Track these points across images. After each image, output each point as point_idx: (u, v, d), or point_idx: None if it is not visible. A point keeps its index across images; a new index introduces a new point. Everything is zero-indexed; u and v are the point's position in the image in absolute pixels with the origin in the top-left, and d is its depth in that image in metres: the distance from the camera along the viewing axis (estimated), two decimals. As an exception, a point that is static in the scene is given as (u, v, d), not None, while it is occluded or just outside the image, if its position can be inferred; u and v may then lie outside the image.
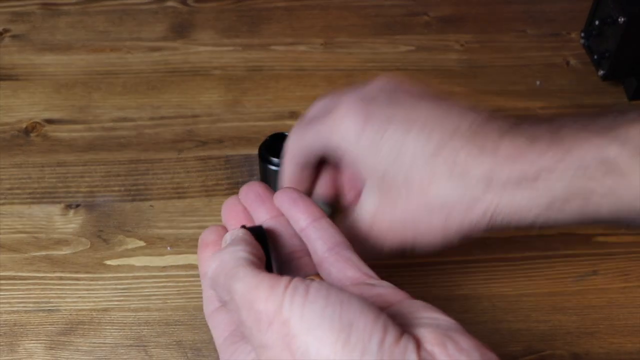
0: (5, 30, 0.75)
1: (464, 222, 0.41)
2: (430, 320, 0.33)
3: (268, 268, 0.38)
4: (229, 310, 0.35)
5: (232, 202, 0.45)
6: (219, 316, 0.39)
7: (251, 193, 0.44)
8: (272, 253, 0.41)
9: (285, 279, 0.32)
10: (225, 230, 0.44)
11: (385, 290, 0.36)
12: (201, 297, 0.56)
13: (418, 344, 0.31)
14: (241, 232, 0.39)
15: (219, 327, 0.38)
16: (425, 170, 0.41)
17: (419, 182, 0.41)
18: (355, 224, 0.44)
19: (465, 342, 0.31)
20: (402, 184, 0.41)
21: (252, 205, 0.44)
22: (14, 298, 0.56)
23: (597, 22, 0.69)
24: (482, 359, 0.30)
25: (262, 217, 0.43)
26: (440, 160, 0.40)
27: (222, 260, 0.36)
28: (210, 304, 0.40)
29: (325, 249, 0.39)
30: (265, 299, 0.32)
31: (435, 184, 0.40)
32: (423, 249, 0.43)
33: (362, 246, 0.43)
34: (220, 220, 0.61)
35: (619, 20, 0.65)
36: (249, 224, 0.42)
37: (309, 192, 0.48)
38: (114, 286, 0.56)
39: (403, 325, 0.32)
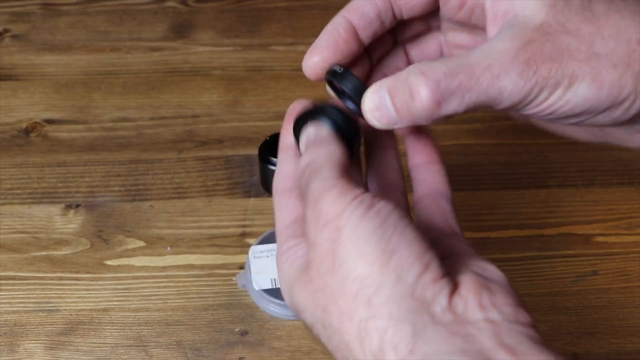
0: (5, 30, 0.75)
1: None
2: (478, 269, 0.33)
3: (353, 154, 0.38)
4: (302, 200, 0.35)
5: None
6: (288, 200, 0.38)
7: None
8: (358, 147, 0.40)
9: (357, 191, 0.33)
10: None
11: (459, 244, 0.36)
12: (201, 297, 0.56)
13: (455, 288, 0.31)
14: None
15: (284, 211, 0.38)
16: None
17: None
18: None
19: (503, 296, 0.31)
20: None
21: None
22: (14, 298, 0.56)
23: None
24: (514, 316, 0.30)
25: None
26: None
27: (316, 154, 0.35)
28: (282, 181, 0.39)
29: (425, 192, 0.39)
30: (332, 201, 0.32)
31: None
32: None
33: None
34: (220, 222, 0.61)
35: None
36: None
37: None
38: (114, 286, 0.56)
39: (451, 269, 0.32)
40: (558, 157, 0.65)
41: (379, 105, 0.35)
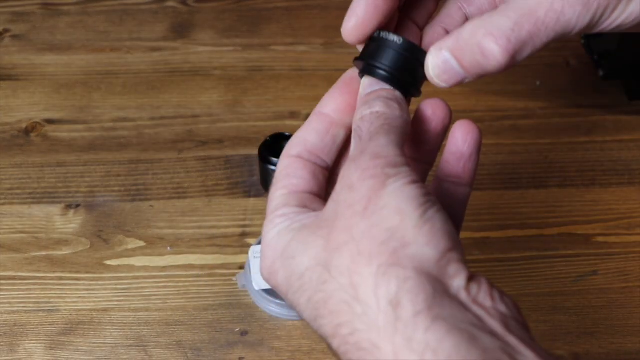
0: (6, 30, 0.75)
1: None
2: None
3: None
4: (355, 136, 0.36)
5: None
6: (303, 169, 0.38)
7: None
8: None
9: (407, 169, 0.33)
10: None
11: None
12: (201, 297, 0.56)
13: (471, 276, 0.31)
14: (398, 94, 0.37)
15: (295, 179, 0.38)
16: None
17: None
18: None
19: (507, 297, 0.32)
20: None
21: None
22: (14, 298, 0.56)
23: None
24: (518, 316, 0.31)
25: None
26: None
27: (393, 109, 0.36)
28: (300, 147, 0.39)
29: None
30: (388, 163, 0.33)
31: None
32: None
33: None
34: (219, 222, 0.61)
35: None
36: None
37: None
38: (114, 286, 0.56)
39: None
40: (558, 157, 0.65)
41: (444, 68, 0.36)
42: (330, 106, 0.39)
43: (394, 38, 0.38)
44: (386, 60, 0.38)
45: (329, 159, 0.39)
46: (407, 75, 0.38)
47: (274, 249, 0.35)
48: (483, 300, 0.31)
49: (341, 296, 0.31)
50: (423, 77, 0.38)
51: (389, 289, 0.30)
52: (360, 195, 0.32)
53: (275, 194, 0.37)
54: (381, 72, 0.38)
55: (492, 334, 0.29)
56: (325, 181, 0.39)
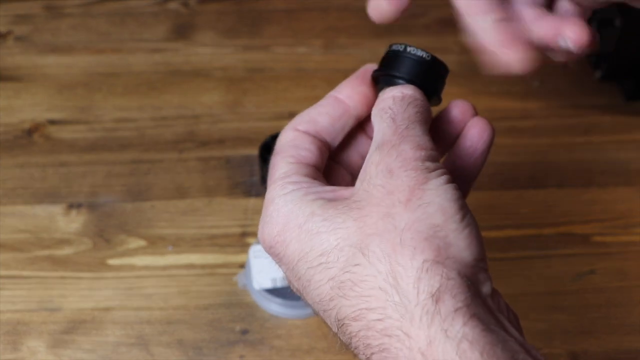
0: (9, 32, 0.75)
1: None
2: None
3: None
4: (384, 120, 0.36)
5: None
6: (312, 144, 0.38)
7: None
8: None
9: (442, 165, 0.34)
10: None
11: None
12: (202, 296, 0.56)
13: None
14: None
15: (306, 152, 0.38)
16: None
17: None
18: None
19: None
20: None
21: None
22: (16, 297, 0.56)
23: (594, 24, 0.69)
24: (520, 329, 0.32)
25: None
26: None
27: (421, 98, 0.36)
28: (308, 123, 0.39)
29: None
30: (429, 155, 0.33)
31: None
32: None
33: None
34: (220, 222, 0.62)
35: (616, 21, 0.65)
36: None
37: None
38: (116, 285, 0.57)
39: None
40: (556, 158, 0.65)
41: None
42: (347, 93, 0.39)
43: (412, 49, 0.38)
44: (405, 69, 0.38)
45: (334, 143, 0.39)
46: (428, 84, 0.38)
47: (286, 216, 0.34)
48: (501, 310, 0.32)
49: (377, 282, 0.31)
50: (443, 86, 0.39)
51: (432, 284, 0.30)
52: (403, 185, 0.32)
53: (281, 162, 0.37)
54: (401, 81, 0.38)
55: (516, 340, 0.30)
56: (326, 163, 0.39)
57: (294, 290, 0.37)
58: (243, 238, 0.60)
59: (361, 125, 0.41)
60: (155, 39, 0.75)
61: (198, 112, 0.69)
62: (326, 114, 0.39)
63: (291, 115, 0.69)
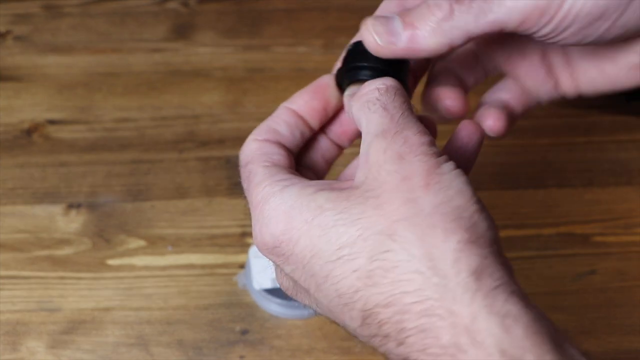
0: (8, 32, 0.75)
1: None
2: None
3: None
4: (374, 113, 0.36)
5: None
6: None
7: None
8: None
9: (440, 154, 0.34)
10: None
11: None
12: (202, 296, 0.56)
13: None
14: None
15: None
16: None
17: None
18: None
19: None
20: None
21: None
22: (16, 297, 0.56)
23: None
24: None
25: None
26: None
27: (397, 87, 0.36)
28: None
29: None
30: (430, 144, 0.34)
31: None
32: None
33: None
34: (220, 222, 0.62)
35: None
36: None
37: None
38: (116, 285, 0.57)
39: None
40: (556, 158, 0.65)
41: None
42: (299, 104, 0.40)
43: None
44: (374, 59, 0.39)
45: (295, 150, 0.40)
46: (399, 74, 0.38)
47: (288, 213, 0.34)
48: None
49: (413, 266, 0.31)
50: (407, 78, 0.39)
51: (470, 263, 0.31)
52: (418, 169, 0.33)
53: (258, 168, 0.37)
54: (367, 71, 0.38)
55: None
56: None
57: (295, 291, 0.36)
58: (243, 238, 0.60)
59: (322, 127, 0.41)
60: (155, 38, 0.75)
61: (198, 112, 0.69)
62: (283, 123, 0.40)
63: (291, 115, 0.69)
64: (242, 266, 0.58)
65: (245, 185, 0.37)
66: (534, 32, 0.37)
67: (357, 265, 0.32)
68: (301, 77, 0.71)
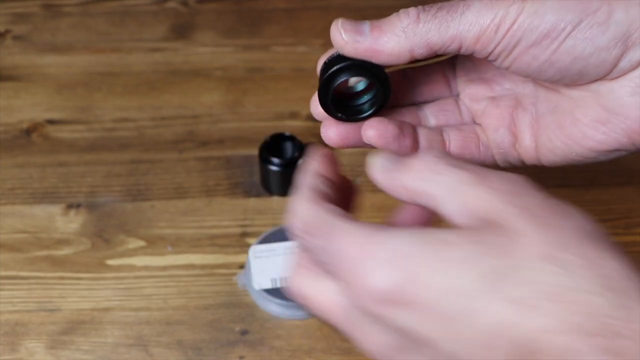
0: (7, 31, 0.75)
1: None
2: None
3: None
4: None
5: None
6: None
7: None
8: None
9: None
10: None
11: None
12: (202, 297, 0.56)
13: None
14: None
15: None
16: None
17: None
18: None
19: None
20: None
21: None
22: (15, 298, 0.56)
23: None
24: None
25: None
26: None
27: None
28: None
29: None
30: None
31: None
32: None
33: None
34: (220, 222, 0.62)
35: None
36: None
37: None
38: (115, 286, 0.57)
39: None
40: (557, 158, 0.65)
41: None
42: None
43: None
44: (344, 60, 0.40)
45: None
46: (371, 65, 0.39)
47: (404, 253, 0.29)
48: None
49: (585, 287, 0.29)
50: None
51: (634, 278, 0.31)
52: (535, 202, 0.34)
53: (335, 220, 0.32)
54: (347, 71, 0.39)
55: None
56: None
57: (401, 350, 0.30)
58: (243, 238, 0.60)
59: None
60: (155, 38, 0.75)
61: (198, 112, 0.69)
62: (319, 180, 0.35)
63: (291, 115, 0.69)
64: (242, 266, 0.58)
65: (320, 242, 0.31)
66: (490, 52, 0.37)
67: (514, 295, 0.29)
68: (301, 77, 0.71)
